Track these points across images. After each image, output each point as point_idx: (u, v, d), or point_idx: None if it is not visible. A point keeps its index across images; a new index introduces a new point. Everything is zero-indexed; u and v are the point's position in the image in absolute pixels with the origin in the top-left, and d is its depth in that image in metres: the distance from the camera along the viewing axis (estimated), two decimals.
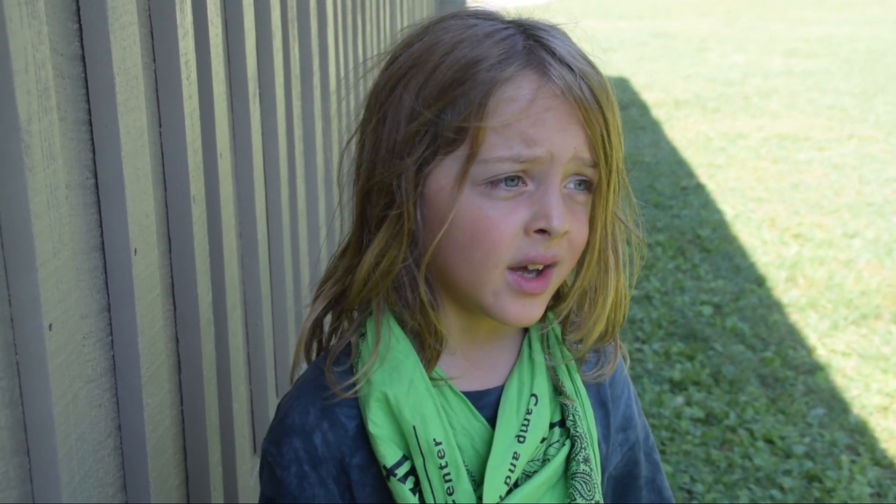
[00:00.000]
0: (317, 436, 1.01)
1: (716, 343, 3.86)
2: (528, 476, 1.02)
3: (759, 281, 4.56)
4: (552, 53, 0.94)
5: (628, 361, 1.17)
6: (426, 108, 0.94)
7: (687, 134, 7.74)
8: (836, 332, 3.98)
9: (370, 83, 1.03)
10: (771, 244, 5.07)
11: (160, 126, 1.34)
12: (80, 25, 1.09)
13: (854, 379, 3.58)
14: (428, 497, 0.98)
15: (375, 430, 0.98)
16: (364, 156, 0.99)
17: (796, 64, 11.09)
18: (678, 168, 6.67)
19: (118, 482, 1.20)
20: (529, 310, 0.98)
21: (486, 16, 1.00)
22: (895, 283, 4.50)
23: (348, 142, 1.05)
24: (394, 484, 0.98)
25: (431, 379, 1.00)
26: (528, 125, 0.92)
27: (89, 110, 1.11)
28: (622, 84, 9.73)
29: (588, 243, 1.00)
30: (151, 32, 1.30)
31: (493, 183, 0.93)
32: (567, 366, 1.07)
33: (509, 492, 1.00)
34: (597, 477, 1.05)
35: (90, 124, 1.12)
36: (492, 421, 1.02)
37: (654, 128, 7.97)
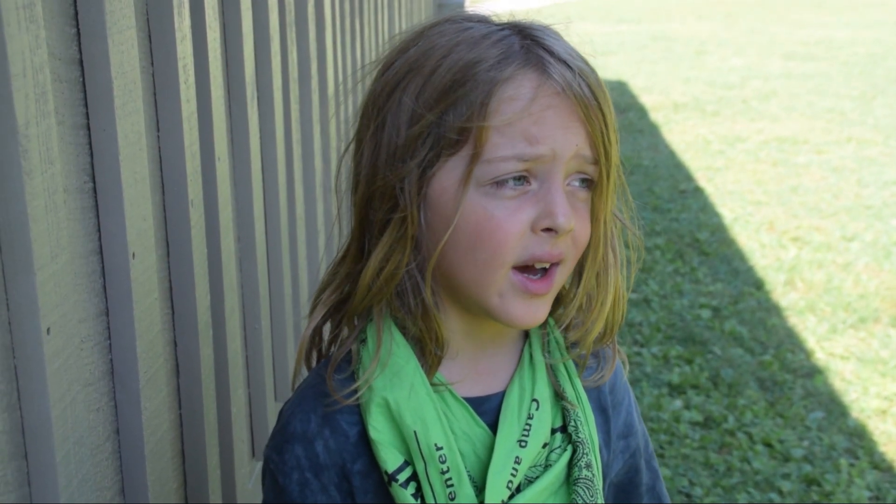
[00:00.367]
0: (318, 443, 1.01)
1: (714, 346, 3.86)
2: (530, 481, 1.02)
3: (758, 284, 4.56)
4: (550, 52, 0.95)
5: (627, 367, 1.17)
6: (427, 110, 0.94)
7: (686, 137, 7.75)
8: (834, 336, 3.99)
9: (365, 90, 1.03)
10: (769, 247, 5.08)
11: (158, 130, 1.34)
12: (78, 30, 1.09)
13: (853, 382, 3.58)
14: (430, 502, 0.98)
15: (377, 436, 0.98)
16: (363, 163, 0.99)
17: (795, 67, 11.10)
18: (677, 171, 6.67)
19: (116, 485, 1.21)
20: (535, 311, 0.98)
21: (479, 19, 1.00)
22: (894, 286, 4.50)
23: (345, 151, 1.05)
24: (395, 489, 0.98)
25: (432, 384, 1.00)
26: (530, 123, 0.93)
27: (87, 114, 1.12)
28: (621, 87, 9.74)
29: (590, 241, 1.01)
30: (149, 36, 1.31)
31: (499, 183, 0.93)
32: (568, 371, 1.07)
33: (511, 497, 1.00)
34: (599, 482, 1.05)
35: (88, 128, 1.12)
36: (493, 426, 1.02)
37: (652, 131, 7.98)
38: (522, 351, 1.07)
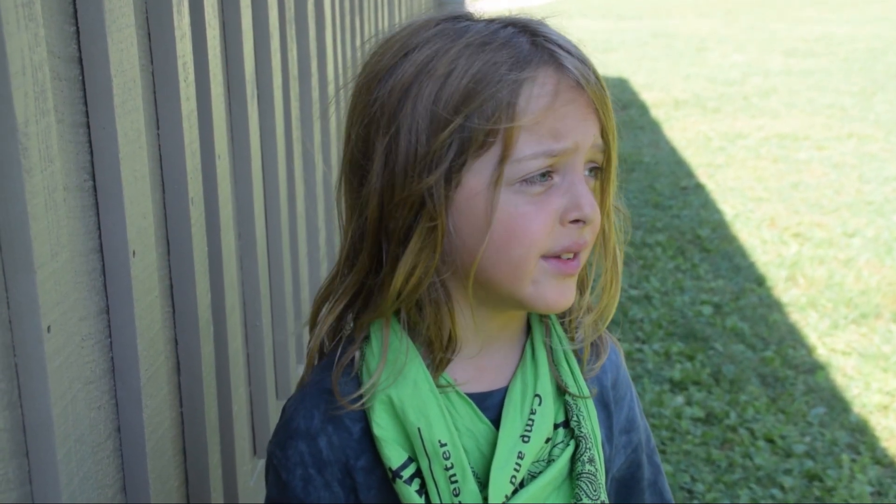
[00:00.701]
0: (322, 439, 1.01)
1: (716, 343, 3.86)
2: (533, 476, 1.02)
3: (759, 280, 4.56)
4: (559, 46, 0.96)
5: (621, 351, 1.18)
6: (451, 115, 0.92)
7: (686, 134, 7.74)
8: (836, 331, 3.98)
9: (357, 99, 0.99)
10: (771, 243, 5.07)
11: (158, 128, 1.34)
12: (78, 28, 1.09)
13: (854, 378, 3.58)
14: (434, 498, 0.98)
15: (380, 433, 0.98)
16: (374, 174, 0.96)
17: (796, 63, 11.09)
18: (678, 168, 6.67)
19: (118, 484, 1.21)
20: (567, 293, 1.00)
21: (468, 17, 1.00)
22: (895, 281, 4.50)
23: (344, 165, 1.02)
24: (400, 486, 0.98)
25: (438, 386, 1.00)
26: (555, 120, 0.93)
27: (87, 112, 1.12)
28: (621, 84, 9.74)
29: (602, 227, 1.02)
30: (149, 35, 1.30)
31: (529, 181, 0.94)
32: (570, 366, 1.07)
33: (515, 492, 1.00)
34: (601, 477, 1.05)
35: (88, 126, 1.12)
36: (496, 422, 1.02)
37: (653, 128, 7.97)
38: (525, 347, 1.07)
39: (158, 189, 1.34)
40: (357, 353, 1.02)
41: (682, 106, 8.87)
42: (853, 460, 3.03)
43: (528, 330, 1.08)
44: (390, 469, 0.98)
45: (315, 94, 2.46)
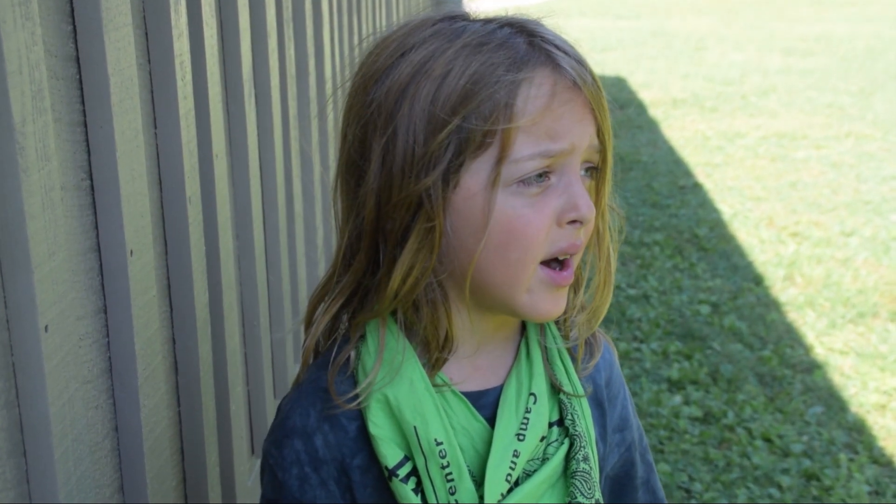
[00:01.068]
0: (318, 438, 1.01)
1: (714, 342, 3.86)
2: (528, 475, 1.02)
3: (757, 280, 4.56)
4: (555, 46, 0.96)
5: (614, 349, 1.18)
6: (449, 115, 0.92)
7: (685, 133, 7.75)
8: (833, 331, 3.99)
9: (352, 100, 0.99)
10: (769, 243, 5.08)
11: (155, 127, 1.34)
12: (75, 27, 1.09)
13: (852, 377, 3.59)
14: (430, 497, 0.98)
15: (376, 431, 0.99)
16: (371, 174, 0.96)
17: (794, 62, 11.09)
18: (676, 167, 6.67)
19: (115, 483, 1.21)
20: (560, 302, 1.00)
21: (463, 17, 0.99)
22: (893, 281, 4.50)
23: (340, 164, 1.02)
24: (396, 485, 0.99)
25: (434, 385, 1.00)
26: (552, 120, 0.93)
27: (84, 111, 1.11)
28: (619, 83, 9.73)
29: (596, 227, 1.03)
30: (146, 33, 1.30)
31: (525, 181, 0.94)
32: (564, 365, 1.08)
33: (510, 490, 1.00)
34: (596, 475, 1.06)
35: (85, 125, 1.12)
36: (491, 421, 1.02)
37: (651, 127, 7.98)
38: (519, 346, 1.07)
39: (156, 188, 1.34)
40: (353, 353, 1.02)
41: (681, 105, 8.87)
42: (851, 459, 3.03)
43: (523, 329, 1.09)
44: (386, 468, 0.99)
45: (312, 93, 2.46)
